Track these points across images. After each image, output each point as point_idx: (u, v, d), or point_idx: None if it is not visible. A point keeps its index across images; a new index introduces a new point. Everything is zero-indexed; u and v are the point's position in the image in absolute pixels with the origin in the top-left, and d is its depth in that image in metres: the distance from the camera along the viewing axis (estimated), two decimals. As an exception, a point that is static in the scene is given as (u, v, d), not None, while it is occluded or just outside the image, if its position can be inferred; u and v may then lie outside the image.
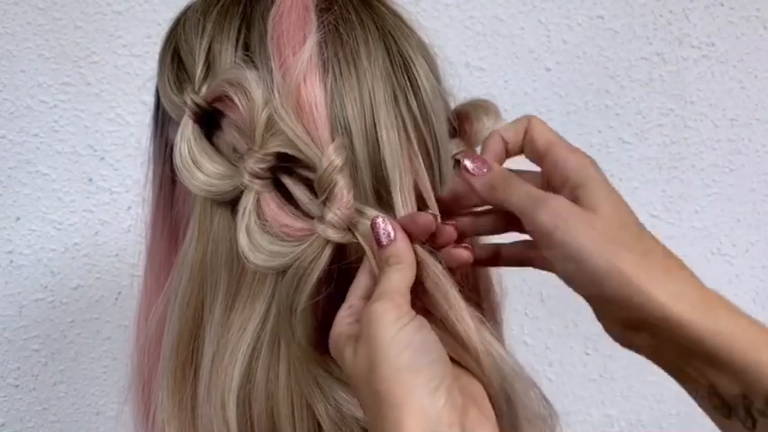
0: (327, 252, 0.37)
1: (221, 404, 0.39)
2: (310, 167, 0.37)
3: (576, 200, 0.38)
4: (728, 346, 0.34)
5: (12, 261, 0.83)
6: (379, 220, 0.36)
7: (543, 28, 0.90)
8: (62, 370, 0.86)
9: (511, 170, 0.41)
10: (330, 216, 0.36)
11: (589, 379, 0.97)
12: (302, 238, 0.37)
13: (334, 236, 0.37)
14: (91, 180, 0.83)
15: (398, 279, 0.35)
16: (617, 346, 0.39)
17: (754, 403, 0.34)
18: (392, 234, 0.36)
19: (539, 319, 0.94)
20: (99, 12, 0.82)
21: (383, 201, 0.39)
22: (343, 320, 0.37)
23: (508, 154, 0.42)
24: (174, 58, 0.42)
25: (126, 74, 0.83)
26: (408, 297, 0.35)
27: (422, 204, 0.41)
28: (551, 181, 0.40)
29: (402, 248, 0.36)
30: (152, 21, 0.83)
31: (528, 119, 0.41)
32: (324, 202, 0.37)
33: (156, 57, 0.45)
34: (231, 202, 0.39)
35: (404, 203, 0.39)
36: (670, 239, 0.95)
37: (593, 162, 0.40)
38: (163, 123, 0.44)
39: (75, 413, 0.87)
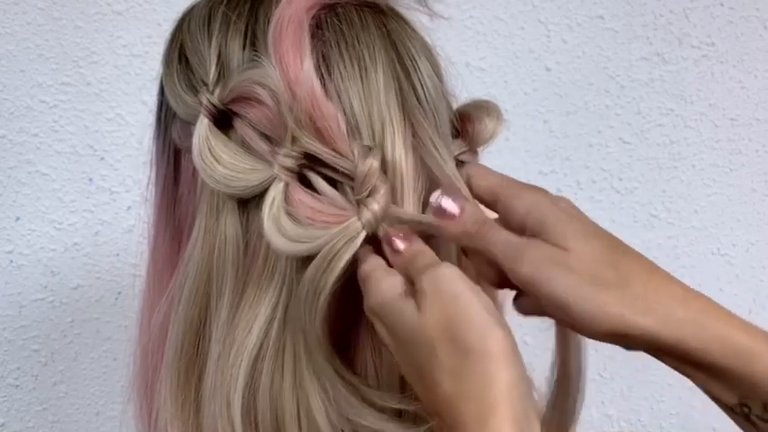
0: (361, 237, 0.37)
1: (226, 404, 0.39)
2: (344, 173, 0.38)
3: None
4: (722, 358, 0.35)
5: (12, 261, 0.83)
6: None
7: (543, 28, 0.90)
8: (62, 370, 0.86)
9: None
10: (374, 206, 0.37)
11: (589, 379, 0.95)
12: (332, 224, 0.37)
13: (373, 223, 0.37)
14: (91, 180, 0.83)
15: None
16: (618, 347, 0.39)
17: (752, 410, 0.35)
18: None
19: (539, 319, 0.94)
20: (99, 12, 0.82)
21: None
22: (388, 281, 0.37)
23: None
24: (182, 58, 0.42)
25: (126, 74, 0.83)
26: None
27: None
28: (512, 230, 0.38)
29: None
30: (152, 21, 0.83)
31: (465, 170, 0.41)
32: (367, 196, 0.38)
33: (157, 57, 0.44)
34: (244, 200, 0.39)
35: (413, 203, 0.39)
36: (670, 239, 0.96)
37: (546, 194, 0.39)
38: (166, 123, 0.44)
39: (75, 413, 0.87)
